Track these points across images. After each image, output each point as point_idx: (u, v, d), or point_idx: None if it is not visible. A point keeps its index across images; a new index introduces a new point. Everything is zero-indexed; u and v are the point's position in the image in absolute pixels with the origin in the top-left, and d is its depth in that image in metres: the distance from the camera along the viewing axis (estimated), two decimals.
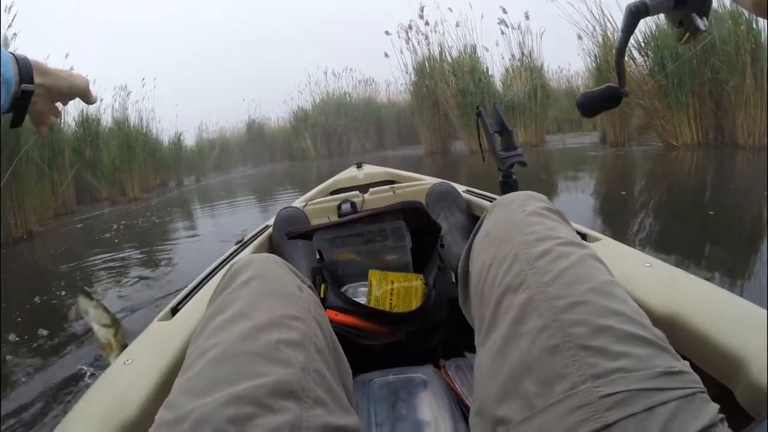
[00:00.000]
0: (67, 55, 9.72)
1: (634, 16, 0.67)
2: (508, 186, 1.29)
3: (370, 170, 2.45)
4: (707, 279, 0.78)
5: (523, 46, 9.74)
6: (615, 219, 3.72)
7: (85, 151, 9.96)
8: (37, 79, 0.64)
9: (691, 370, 0.42)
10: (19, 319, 2.91)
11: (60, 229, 7.31)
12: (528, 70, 9.77)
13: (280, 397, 0.45)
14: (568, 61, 11.59)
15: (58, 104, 0.75)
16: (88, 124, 10.35)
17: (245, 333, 0.51)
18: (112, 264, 4.22)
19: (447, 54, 10.35)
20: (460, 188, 1.64)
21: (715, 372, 0.63)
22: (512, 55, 9.94)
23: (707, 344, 0.64)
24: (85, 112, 10.38)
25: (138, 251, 4.77)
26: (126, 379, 0.77)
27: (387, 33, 10.93)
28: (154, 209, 8.31)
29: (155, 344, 0.87)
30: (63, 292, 3.37)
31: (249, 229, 1.60)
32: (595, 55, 8.16)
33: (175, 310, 1.02)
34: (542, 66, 9.93)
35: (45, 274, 4.33)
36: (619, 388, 0.40)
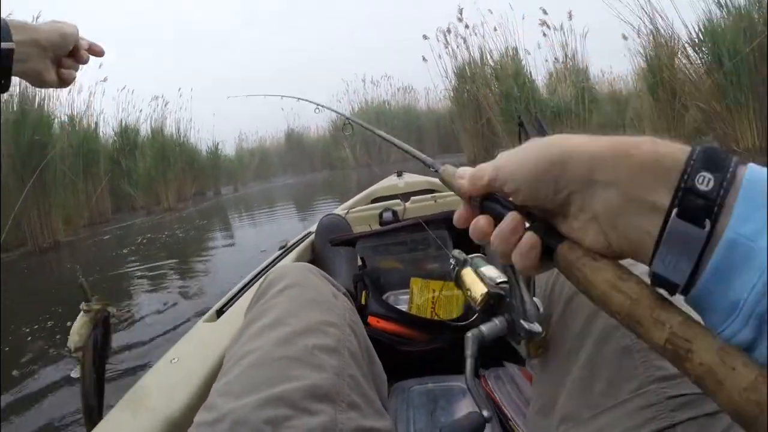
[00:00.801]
0: (101, 65, 9.86)
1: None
2: None
3: (411, 179, 2.46)
4: None
5: (566, 48, 9.21)
6: None
7: (122, 160, 10.11)
8: (17, 36, 0.58)
9: None
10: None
11: (87, 240, 7.25)
12: (572, 72, 9.24)
13: (315, 400, 0.47)
14: (609, 64, 10.88)
15: (70, 63, 0.68)
16: (126, 133, 10.60)
17: (282, 339, 0.53)
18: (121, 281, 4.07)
19: (488, 57, 9.84)
20: None
21: None
22: (555, 58, 9.42)
23: None
24: (124, 122, 10.63)
25: (149, 268, 4.44)
26: (172, 376, 0.80)
27: (425, 37, 10.50)
28: (184, 220, 8.26)
29: (200, 345, 0.90)
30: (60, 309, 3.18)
31: (289, 239, 1.62)
32: (647, 56, 7.39)
33: (220, 312, 1.05)
34: (586, 68, 9.38)
35: (57, 288, 4.12)
36: (685, 390, 0.40)
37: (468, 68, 10.15)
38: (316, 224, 1.56)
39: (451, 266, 0.62)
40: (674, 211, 0.27)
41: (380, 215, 1.74)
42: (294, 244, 1.54)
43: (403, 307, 1.06)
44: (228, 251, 4.98)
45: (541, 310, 0.50)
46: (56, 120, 7.72)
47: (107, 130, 10.37)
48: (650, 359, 0.43)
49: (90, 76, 9.16)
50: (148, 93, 12.54)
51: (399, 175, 2.62)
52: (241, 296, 1.12)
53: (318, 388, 0.48)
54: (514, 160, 0.35)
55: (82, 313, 0.63)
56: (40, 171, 6.34)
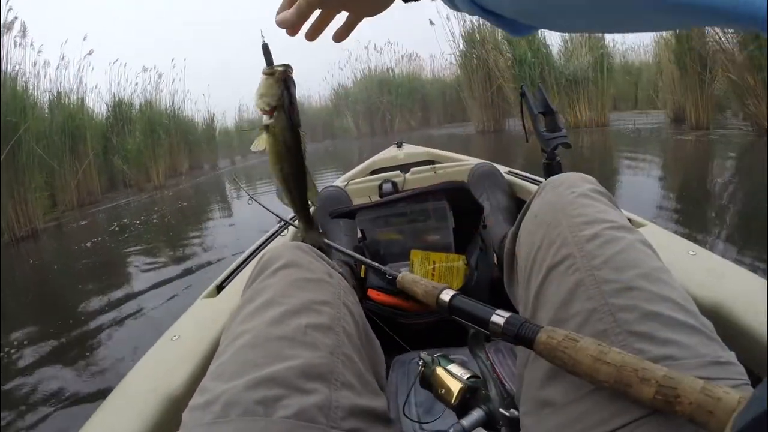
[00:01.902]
0: (85, 38, 9.41)
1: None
2: (551, 168, 1.26)
3: (411, 150, 2.44)
4: (752, 270, 0.75)
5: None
6: None
7: (112, 137, 9.80)
8: None
9: (737, 361, 0.42)
10: None
11: (70, 225, 6.82)
12: (588, 39, 8.77)
13: (308, 379, 0.46)
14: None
15: None
16: (121, 108, 10.22)
17: (275, 319, 0.52)
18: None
19: None
20: (503, 169, 1.62)
21: (755, 365, 0.61)
22: None
23: (749, 336, 0.62)
24: (117, 96, 10.30)
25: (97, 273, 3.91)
26: (173, 354, 0.81)
27: None
28: (170, 200, 7.77)
29: (201, 321, 0.91)
30: None
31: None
32: None
33: (220, 288, 1.05)
34: (602, 36, 8.79)
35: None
36: None
37: (478, 32, 9.74)
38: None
39: (420, 368, 0.64)
40: None
41: (380, 187, 1.72)
42: (293, 216, 1.53)
43: None
44: (209, 239, 4.43)
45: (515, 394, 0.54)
46: (36, 98, 7.41)
47: (101, 106, 10.15)
48: (630, 342, 0.42)
49: (75, 49, 9.05)
50: (142, 66, 12.16)
51: (399, 146, 2.60)
52: (240, 271, 1.12)
53: (312, 367, 0.47)
54: None
55: (264, 77, 0.63)
56: (14, 155, 5.91)
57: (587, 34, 8.51)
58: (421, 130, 13.50)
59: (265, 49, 0.62)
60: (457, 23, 9.86)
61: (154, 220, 6.09)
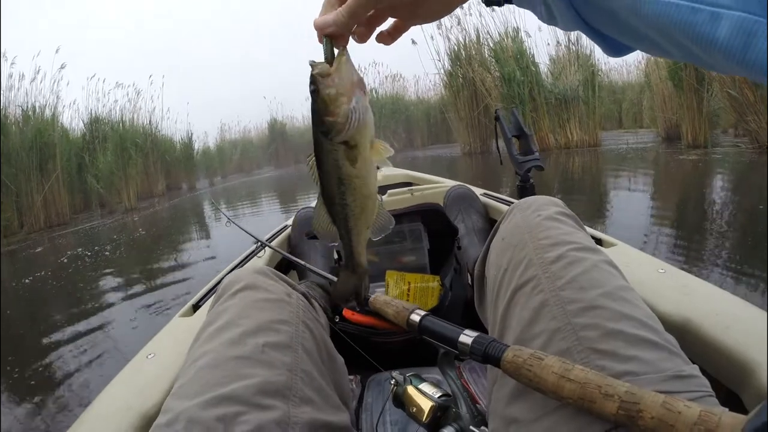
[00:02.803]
0: (57, 50, 9.08)
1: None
2: (525, 190, 1.29)
3: (389, 172, 2.46)
4: (720, 286, 0.78)
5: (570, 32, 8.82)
6: None
7: (84, 155, 9.40)
8: None
9: (700, 374, 0.43)
10: None
11: (21, 253, 6.20)
12: (577, 57, 8.65)
13: (266, 396, 0.47)
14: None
15: None
16: (97, 125, 9.83)
17: (233, 340, 0.53)
18: None
19: (488, 36, 8.86)
20: (478, 191, 1.64)
21: (724, 378, 0.63)
22: (557, 42, 8.70)
23: (717, 350, 0.64)
24: (94, 113, 9.92)
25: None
26: (148, 372, 0.80)
27: None
28: (139, 223, 7.20)
29: (176, 339, 0.90)
30: None
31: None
32: None
33: (196, 307, 1.05)
34: (591, 54, 8.63)
35: None
36: None
37: (464, 50, 9.32)
38: (293, 217, 1.55)
39: (392, 387, 0.65)
40: None
41: None
42: (270, 237, 1.53)
43: None
44: (164, 276, 3.74)
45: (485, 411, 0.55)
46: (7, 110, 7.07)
47: (78, 122, 9.85)
48: (592, 359, 0.44)
49: (48, 62, 8.84)
50: (123, 81, 11.70)
51: (377, 168, 2.62)
52: (216, 291, 1.11)
53: (269, 384, 0.49)
54: None
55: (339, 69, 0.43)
56: None
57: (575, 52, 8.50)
58: (405, 152, 13.34)
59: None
60: (443, 41, 9.59)
61: (106, 253, 5.31)
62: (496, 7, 0.44)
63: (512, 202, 1.46)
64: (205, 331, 0.58)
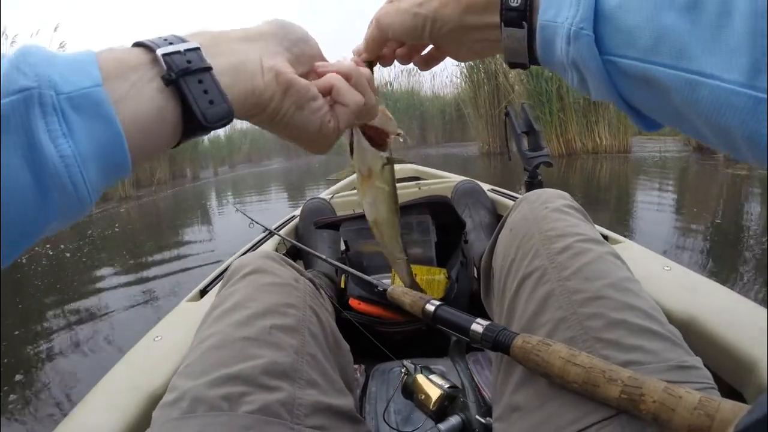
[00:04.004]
0: (56, 28, 9.16)
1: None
2: (533, 186, 1.29)
3: (396, 166, 2.46)
4: (726, 284, 0.78)
5: None
6: None
7: None
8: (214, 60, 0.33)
9: (703, 366, 0.44)
10: None
11: None
12: None
13: (272, 377, 0.48)
14: None
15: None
16: None
17: (240, 321, 0.54)
18: None
19: None
20: (485, 187, 1.65)
21: (727, 375, 0.64)
22: None
23: (720, 346, 0.65)
24: None
25: None
26: (154, 354, 0.82)
27: None
28: (121, 217, 6.72)
29: (183, 323, 0.92)
30: None
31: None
32: None
33: (203, 292, 1.06)
34: None
35: None
36: None
37: None
38: (300, 207, 1.57)
39: (403, 376, 0.68)
40: (501, 24, 0.38)
41: None
42: (279, 226, 1.54)
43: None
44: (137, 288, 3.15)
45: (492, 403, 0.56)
46: None
47: None
48: (596, 348, 0.44)
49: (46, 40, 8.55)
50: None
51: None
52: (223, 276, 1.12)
53: (276, 365, 0.49)
54: (396, 22, 0.44)
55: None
56: None
57: None
58: (418, 148, 12.95)
59: None
60: None
61: (67, 255, 4.61)
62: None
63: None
64: (212, 313, 0.59)
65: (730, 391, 0.63)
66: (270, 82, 0.36)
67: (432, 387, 0.64)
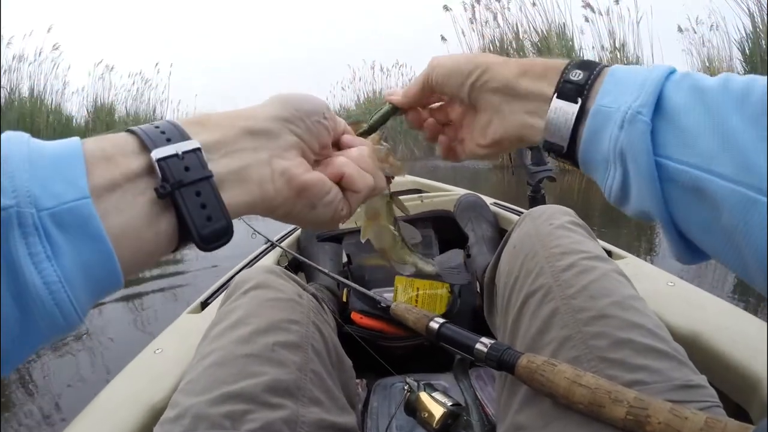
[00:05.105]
0: (50, 29, 8.63)
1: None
2: (536, 200, 1.29)
3: (398, 179, 2.46)
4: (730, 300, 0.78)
5: (615, 36, 7.15)
6: None
7: None
8: (214, 158, 0.30)
9: (708, 384, 0.43)
10: None
11: None
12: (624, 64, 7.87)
13: (275, 395, 0.48)
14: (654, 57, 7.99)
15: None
16: (103, 112, 9.46)
17: (243, 338, 0.54)
18: None
19: (529, 33, 7.62)
20: (488, 200, 1.65)
21: (732, 392, 0.63)
22: (602, 46, 7.35)
23: (725, 364, 0.64)
24: (99, 100, 9.55)
25: None
26: (155, 367, 0.81)
27: (446, 8, 8.24)
28: None
29: (184, 336, 0.91)
30: None
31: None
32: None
33: (204, 304, 1.05)
34: (638, 61, 7.37)
35: None
36: None
37: (498, 48, 8.07)
38: None
39: (406, 393, 0.68)
40: (554, 94, 0.35)
41: None
42: (281, 238, 1.54)
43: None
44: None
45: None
46: None
47: (82, 110, 9.51)
48: (601, 368, 0.44)
49: (38, 43, 8.54)
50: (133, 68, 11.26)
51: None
52: (225, 289, 1.12)
53: (279, 382, 0.49)
54: (447, 62, 0.44)
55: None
56: None
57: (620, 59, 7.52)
58: (426, 159, 12.78)
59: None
60: (476, 38, 8.40)
61: None
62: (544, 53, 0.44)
63: (522, 212, 1.46)
64: (214, 328, 0.58)
65: (735, 408, 0.62)
66: (281, 188, 0.33)
67: (435, 405, 0.63)
